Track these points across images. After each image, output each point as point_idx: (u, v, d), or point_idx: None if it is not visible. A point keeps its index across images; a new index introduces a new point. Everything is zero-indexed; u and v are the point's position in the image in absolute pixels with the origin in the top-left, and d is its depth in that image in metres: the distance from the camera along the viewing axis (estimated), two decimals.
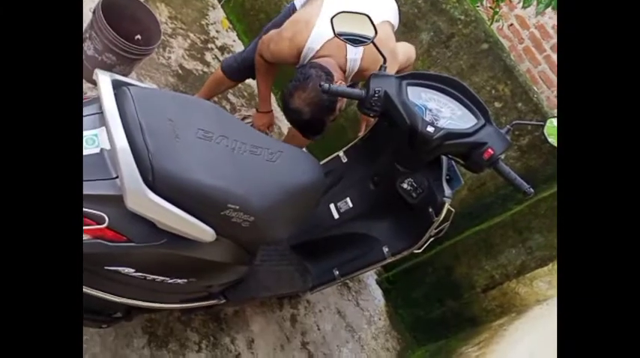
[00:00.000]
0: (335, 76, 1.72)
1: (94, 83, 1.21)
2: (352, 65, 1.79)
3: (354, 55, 1.77)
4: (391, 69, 1.79)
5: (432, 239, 1.72)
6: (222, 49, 2.91)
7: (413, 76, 1.62)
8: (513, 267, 2.28)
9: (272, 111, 2.18)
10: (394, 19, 1.98)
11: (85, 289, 1.20)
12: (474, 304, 2.41)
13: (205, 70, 2.72)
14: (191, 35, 2.79)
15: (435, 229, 1.68)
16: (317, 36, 1.77)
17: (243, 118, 2.34)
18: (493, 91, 2.31)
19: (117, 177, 1.10)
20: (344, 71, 1.80)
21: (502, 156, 1.57)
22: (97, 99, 1.18)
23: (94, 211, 1.07)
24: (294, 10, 2.05)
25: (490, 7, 3.41)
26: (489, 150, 1.52)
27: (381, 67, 1.62)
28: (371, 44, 1.57)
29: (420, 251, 1.75)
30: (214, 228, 1.24)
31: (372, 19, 1.56)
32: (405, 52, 2.03)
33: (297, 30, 1.80)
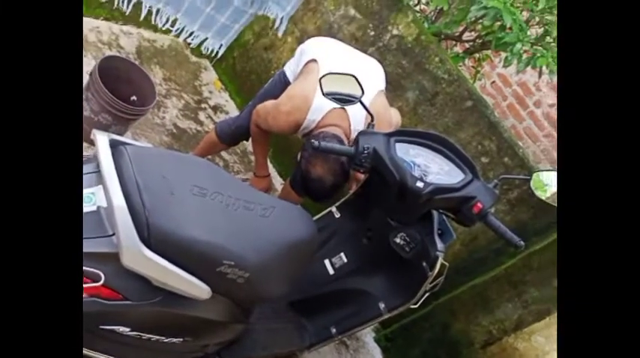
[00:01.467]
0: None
1: (91, 143, 1.24)
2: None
3: (358, 125, 1.82)
4: None
5: (427, 294, 1.71)
6: (215, 108, 2.98)
7: (400, 133, 1.67)
8: (510, 322, 2.26)
9: (269, 175, 2.22)
10: (384, 84, 2.05)
11: None
12: None
13: (199, 128, 2.77)
14: (185, 96, 2.86)
15: (430, 284, 1.67)
16: (317, 109, 1.81)
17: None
18: (479, 147, 2.36)
19: (113, 235, 1.10)
20: (349, 140, 1.82)
21: (492, 210, 1.59)
22: (94, 159, 1.20)
23: (91, 269, 1.07)
24: (284, 76, 2.09)
25: (472, 67, 3.54)
26: (478, 204, 1.55)
27: (369, 124, 1.67)
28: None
29: (416, 306, 1.74)
30: (210, 284, 1.23)
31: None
32: (396, 118, 2.09)
33: (294, 105, 1.84)
